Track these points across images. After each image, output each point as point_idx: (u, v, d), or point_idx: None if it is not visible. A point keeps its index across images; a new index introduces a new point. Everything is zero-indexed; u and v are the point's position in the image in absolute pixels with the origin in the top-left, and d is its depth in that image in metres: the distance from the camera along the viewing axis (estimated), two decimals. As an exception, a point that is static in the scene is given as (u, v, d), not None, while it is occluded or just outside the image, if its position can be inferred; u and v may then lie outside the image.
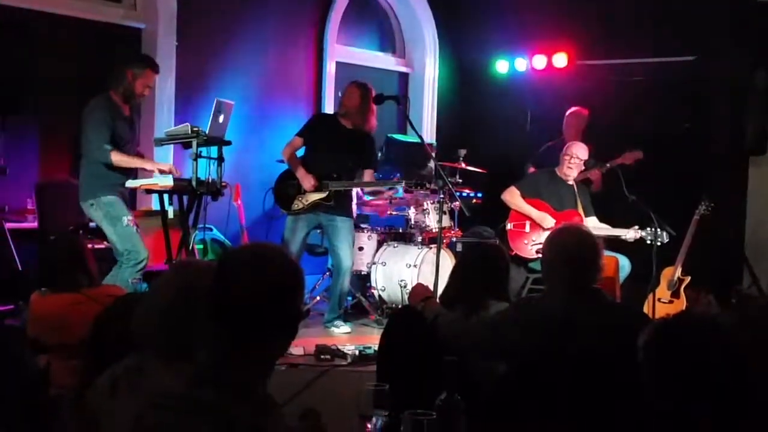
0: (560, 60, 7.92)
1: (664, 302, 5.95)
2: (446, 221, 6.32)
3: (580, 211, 6.15)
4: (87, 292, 3.58)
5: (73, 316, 3.44)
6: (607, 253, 4.66)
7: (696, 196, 6.09)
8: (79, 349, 3.00)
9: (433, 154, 6.57)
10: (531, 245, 6.06)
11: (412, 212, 6.66)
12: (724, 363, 1.72)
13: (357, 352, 5.07)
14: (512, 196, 6.20)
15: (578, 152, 6.13)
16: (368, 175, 6.10)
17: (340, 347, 5.17)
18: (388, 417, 2.15)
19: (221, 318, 1.83)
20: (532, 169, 6.96)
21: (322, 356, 5.07)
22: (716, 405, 1.70)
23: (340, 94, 6.33)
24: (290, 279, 1.88)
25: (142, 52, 6.48)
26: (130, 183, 5.26)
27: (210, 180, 5.16)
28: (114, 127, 5.09)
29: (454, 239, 6.77)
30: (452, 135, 8.35)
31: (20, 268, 5.30)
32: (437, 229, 5.48)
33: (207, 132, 5.09)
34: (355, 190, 6.45)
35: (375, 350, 4.54)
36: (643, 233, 5.75)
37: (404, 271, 6.30)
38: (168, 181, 5.10)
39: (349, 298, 6.66)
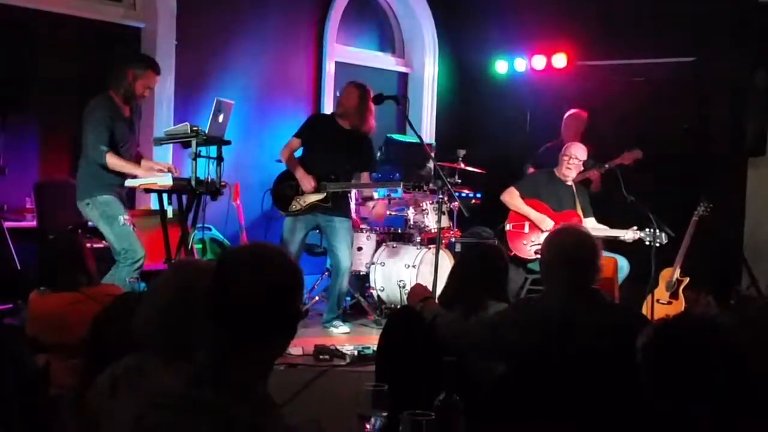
0: (560, 60, 7.92)
1: (662, 303, 5.95)
2: (445, 221, 6.31)
3: (579, 211, 6.15)
4: (86, 292, 3.58)
5: (72, 315, 3.45)
6: (605, 253, 4.68)
7: (695, 197, 6.09)
8: (78, 349, 3.00)
9: (432, 155, 6.57)
10: (530, 246, 6.06)
11: (411, 212, 6.67)
12: (723, 364, 1.72)
13: (356, 353, 5.07)
14: (511, 197, 6.20)
15: (577, 153, 6.14)
16: (365, 178, 6.10)
17: (338, 347, 5.17)
18: (387, 417, 2.15)
19: (220, 318, 1.83)
20: (531, 170, 6.97)
21: (320, 356, 5.07)
22: (715, 406, 1.71)
23: (338, 94, 6.33)
24: (289, 279, 1.88)
25: (142, 51, 6.48)
26: (130, 182, 5.25)
27: (209, 179, 5.16)
28: (113, 128, 5.09)
29: (453, 240, 6.78)
30: (451, 135, 8.35)
31: (19, 268, 5.29)
32: (436, 230, 5.48)
33: (206, 131, 5.09)
34: (352, 191, 6.45)
35: (374, 350, 4.54)
36: (642, 234, 5.75)
37: (403, 271, 6.30)
38: (167, 181, 5.10)
39: (348, 299, 6.66)
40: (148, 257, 5.26)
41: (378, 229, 6.85)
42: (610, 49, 7.64)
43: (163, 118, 6.49)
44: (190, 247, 5.32)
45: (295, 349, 5.04)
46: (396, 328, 3.46)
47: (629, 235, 5.82)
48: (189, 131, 5.10)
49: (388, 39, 8.71)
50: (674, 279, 5.99)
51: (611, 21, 7.59)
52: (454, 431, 2.20)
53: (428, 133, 8.51)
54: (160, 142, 5.45)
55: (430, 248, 6.28)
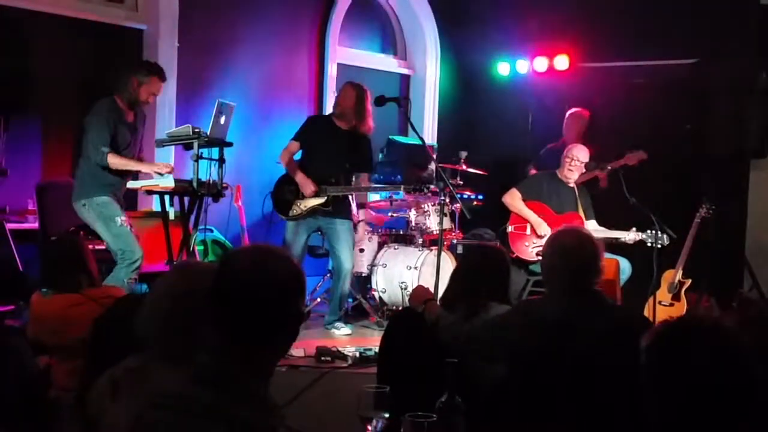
0: (562, 62, 7.92)
1: (664, 305, 5.95)
2: (447, 223, 6.32)
3: (581, 213, 6.15)
4: (88, 293, 3.58)
5: (73, 316, 3.45)
6: (607, 255, 4.66)
7: (697, 198, 6.09)
8: (79, 350, 3.00)
9: (434, 156, 6.57)
10: (532, 247, 6.06)
11: (412, 214, 6.66)
12: (727, 366, 1.72)
13: (357, 354, 5.06)
14: (513, 199, 6.20)
15: (579, 155, 6.13)
16: (364, 178, 6.09)
17: (340, 349, 5.17)
18: (389, 419, 2.15)
19: (222, 320, 1.83)
20: (533, 171, 6.97)
21: (322, 358, 5.07)
22: (718, 407, 1.70)
23: (332, 91, 6.32)
24: (291, 281, 1.88)
25: (144, 53, 6.49)
26: (132, 184, 5.26)
27: (211, 181, 5.16)
28: (115, 131, 5.10)
29: (454, 241, 6.78)
30: (453, 137, 8.35)
31: (21, 269, 5.30)
32: (438, 231, 5.48)
33: (208, 133, 5.09)
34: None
35: (375, 352, 4.54)
36: (644, 235, 5.75)
37: (405, 272, 6.30)
38: (169, 183, 5.11)
39: (350, 300, 6.66)
40: (150, 259, 5.27)
41: (380, 231, 6.85)
42: (612, 51, 7.64)
43: (165, 120, 6.49)
44: (191, 248, 5.33)
45: (296, 351, 5.04)
46: (398, 330, 3.46)
47: (630, 236, 5.82)
48: (191, 133, 5.11)
49: (390, 41, 8.71)
50: (676, 281, 5.98)
51: (613, 23, 7.59)
52: (455, 433, 2.20)
53: (430, 134, 8.51)
54: (162, 143, 5.46)
55: (431, 250, 6.28)
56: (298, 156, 6.08)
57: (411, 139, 7.51)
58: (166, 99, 6.47)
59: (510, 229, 6.20)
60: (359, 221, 6.66)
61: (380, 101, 5.76)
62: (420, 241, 6.61)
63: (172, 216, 5.49)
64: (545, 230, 5.97)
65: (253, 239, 6.49)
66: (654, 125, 7.25)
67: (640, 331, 1.90)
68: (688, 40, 7.21)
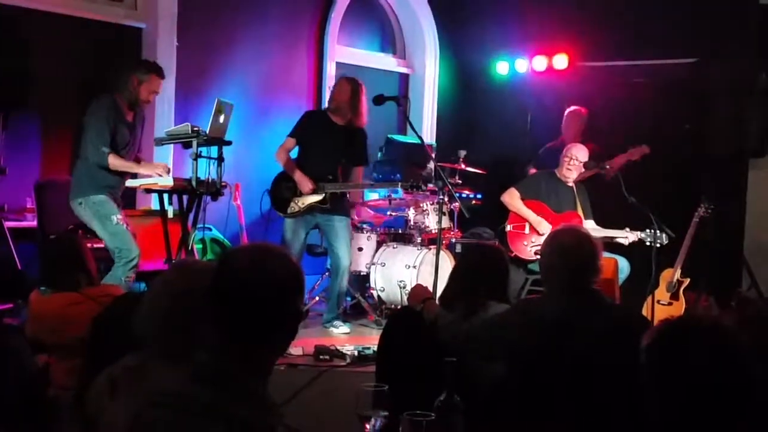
0: (561, 61, 7.92)
1: (663, 304, 5.95)
2: (446, 222, 6.31)
3: (580, 212, 6.15)
4: (86, 292, 3.58)
5: (72, 315, 3.45)
6: (606, 254, 4.67)
7: (696, 197, 6.09)
8: (78, 349, 3.01)
9: (433, 155, 6.57)
10: (530, 247, 6.06)
11: (411, 213, 6.66)
12: (726, 365, 1.72)
13: (356, 353, 5.06)
14: (511, 198, 6.20)
15: (578, 154, 6.14)
16: (359, 172, 6.08)
17: (339, 348, 5.17)
18: (387, 418, 2.15)
19: (221, 318, 1.83)
20: (532, 171, 6.96)
21: (321, 357, 5.07)
22: (717, 406, 1.70)
23: (330, 89, 6.31)
24: (290, 279, 1.88)
25: (143, 51, 6.49)
26: (131, 183, 5.27)
27: (210, 180, 5.16)
28: (115, 131, 5.10)
29: (453, 240, 6.77)
30: (452, 136, 8.35)
31: (20, 267, 5.30)
32: (437, 230, 5.48)
33: (207, 132, 5.09)
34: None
35: (374, 351, 4.54)
36: (643, 235, 5.76)
37: (403, 271, 6.30)
38: (168, 181, 5.10)
39: (348, 299, 6.66)
40: (149, 257, 5.26)
41: (379, 229, 6.85)
42: (612, 50, 7.64)
43: (164, 119, 6.49)
44: (190, 247, 5.32)
45: (295, 350, 5.03)
46: (396, 329, 3.46)
47: (630, 237, 5.83)
48: (190, 131, 5.11)
49: (389, 40, 8.71)
50: (675, 280, 5.99)
51: (612, 22, 7.59)
52: (453, 432, 2.20)
53: (429, 133, 8.51)
54: (161, 142, 5.46)
55: (430, 249, 6.28)
56: (294, 153, 6.07)
57: (410, 138, 7.51)
58: (165, 97, 6.46)
59: (509, 228, 6.20)
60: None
61: (379, 100, 5.74)
62: (419, 240, 6.61)
63: (170, 214, 5.49)
64: (546, 228, 5.96)
65: (252, 238, 6.49)
66: (653, 125, 7.25)
67: (639, 331, 1.90)
68: (688, 40, 7.21)
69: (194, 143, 5.08)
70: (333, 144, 5.92)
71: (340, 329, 5.99)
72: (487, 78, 8.42)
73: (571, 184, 6.20)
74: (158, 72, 5.25)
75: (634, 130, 7.23)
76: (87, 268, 3.76)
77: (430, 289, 3.68)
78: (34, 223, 5.62)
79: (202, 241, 6.15)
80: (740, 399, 1.71)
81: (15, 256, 5.31)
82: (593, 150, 6.35)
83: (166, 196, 5.33)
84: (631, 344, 1.88)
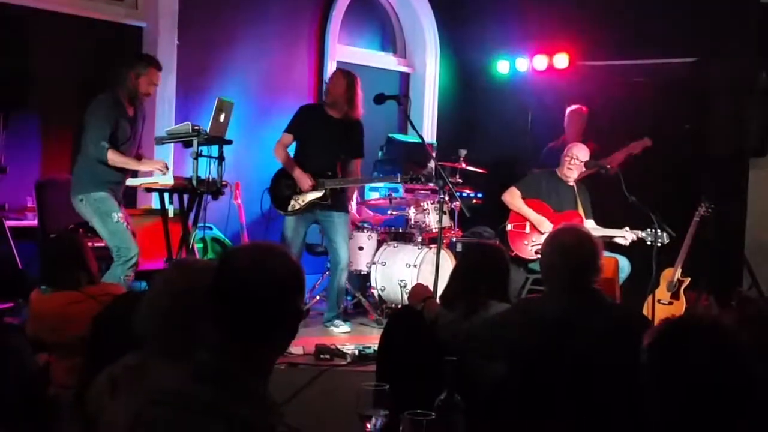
0: (561, 60, 7.91)
1: (663, 303, 5.95)
2: (446, 221, 6.31)
3: (581, 212, 6.15)
4: (87, 291, 3.59)
5: (72, 314, 3.45)
6: (606, 253, 4.67)
7: (696, 197, 6.09)
8: (78, 348, 3.01)
9: (434, 154, 6.57)
10: (531, 246, 6.06)
11: (412, 212, 6.66)
12: (726, 365, 1.72)
13: (356, 352, 5.06)
14: (512, 197, 6.20)
15: (578, 153, 6.14)
16: (356, 165, 6.07)
17: (339, 347, 5.17)
18: (388, 417, 2.15)
19: (221, 317, 1.83)
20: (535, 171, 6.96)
21: (321, 356, 5.07)
22: (717, 406, 1.70)
23: (325, 83, 6.30)
24: (290, 279, 1.88)
25: (144, 50, 6.48)
26: (131, 181, 5.27)
27: (210, 179, 5.16)
28: (116, 126, 5.10)
29: (454, 239, 6.77)
30: (453, 135, 8.35)
31: (20, 266, 5.30)
32: (437, 229, 5.48)
33: (208, 131, 5.09)
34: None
35: (374, 350, 4.54)
36: (643, 234, 5.76)
37: (404, 271, 6.29)
38: (168, 180, 5.10)
39: (349, 298, 6.66)
40: (150, 256, 5.26)
41: (379, 229, 6.85)
42: (612, 50, 7.64)
43: (165, 118, 6.49)
44: (191, 246, 5.32)
45: (295, 349, 5.03)
46: (397, 328, 3.46)
47: (630, 237, 5.83)
48: (190, 130, 5.11)
49: (390, 39, 8.71)
50: (675, 279, 5.99)
51: (613, 21, 7.59)
52: (454, 431, 2.20)
53: (429, 132, 8.51)
54: (161, 141, 5.46)
55: (431, 248, 6.28)
56: (292, 148, 6.06)
57: (410, 137, 7.51)
58: (165, 96, 6.47)
59: (509, 227, 6.20)
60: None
61: (380, 99, 5.74)
62: (419, 239, 6.61)
63: (171, 213, 5.48)
64: (547, 227, 5.96)
65: (253, 237, 6.49)
66: (654, 124, 7.24)
67: (639, 330, 1.90)
68: (688, 39, 7.21)
69: (195, 142, 5.08)
70: (330, 137, 5.90)
71: (341, 328, 5.99)
72: (487, 77, 8.42)
73: (571, 183, 6.20)
74: (154, 64, 5.26)
75: (635, 129, 7.23)
76: (87, 266, 3.76)
77: (431, 288, 3.68)
78: (35, 222, 5.62)
79: (203, 240, 6.15)
80: (741, 398, 1.71)
81: (15, 255, 5.32)
82: (594, 149, 6.35)
83: (166, 195, 5.33)
84: (632, 344, 1.88)
